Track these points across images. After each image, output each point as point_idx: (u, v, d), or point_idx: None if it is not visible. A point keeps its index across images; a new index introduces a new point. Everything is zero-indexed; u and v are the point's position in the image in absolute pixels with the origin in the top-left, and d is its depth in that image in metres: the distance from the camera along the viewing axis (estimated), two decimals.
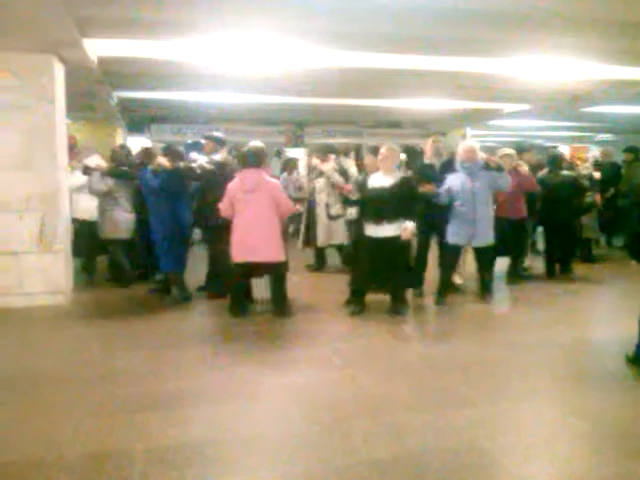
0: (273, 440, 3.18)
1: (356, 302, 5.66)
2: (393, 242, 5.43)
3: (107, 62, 6.51)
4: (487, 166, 6.15)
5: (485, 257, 6.26)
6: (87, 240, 7.04)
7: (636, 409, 3.56)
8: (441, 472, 2.82)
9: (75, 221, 7.09)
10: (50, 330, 5.18)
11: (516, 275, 7.16)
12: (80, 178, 6.93)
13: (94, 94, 8.36)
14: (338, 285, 6.30)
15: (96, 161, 7.12)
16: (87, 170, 6.91)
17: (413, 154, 7.15)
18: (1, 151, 5.67)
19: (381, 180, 5.53)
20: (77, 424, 3.29)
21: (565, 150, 7.93)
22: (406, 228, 5.41)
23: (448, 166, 6.29)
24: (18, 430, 3.23)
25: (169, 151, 6.13)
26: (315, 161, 7.87)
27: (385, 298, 5.74)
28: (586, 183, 7.87)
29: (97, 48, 5.98)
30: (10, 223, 5.74)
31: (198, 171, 5.95)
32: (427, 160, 6.43)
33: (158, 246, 5.95)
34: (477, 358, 4.47)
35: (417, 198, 5.64)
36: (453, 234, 6.06)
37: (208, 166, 6.00)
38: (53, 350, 4.63)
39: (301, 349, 4.71)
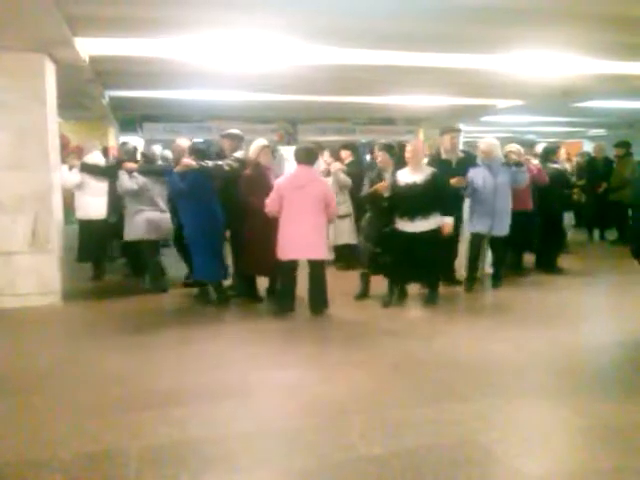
0: (270, 437, 3.18)
1: (391, 292, 5.81)
2: (428, 236, 5.55)
3: (98, 61, 6.48)
4: (506, 162, 6.49)
5: (500, 248, 6.59)
6: (92, 241, 6.95)
7: (632, 404, 3.57)
8: (438, 467, 2.82)
9: (79, 222, 7.05)
10: (43, 331, 5.17)
11: (520, 268, 7.28)
12: (78, 176, 6.87)
13: (86, 93, 8.32)
14: (347, 283, 6.32)
15: (97, 157, 7.07)
16: (85, 167, 6.86)
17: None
18: None
19: (411, 176, 5.60)
20: (71, 424, 3.28)
21: (554, 144, 7.88)
22: (447, 224, 5.62)
23: (464, 162, 6.35)
24: (12, 430, 3.22)
25: (194, 150, 5.92)
26: (327, 159, 7.79)
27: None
28: (572, 179, 7.91)
29: (88, 47, 5.95)
30: (2, 223, 5.71)
31: (226, 168, 5.76)
32: (444, 156, 6.48)
33: (192, 249, 5.82)
34: (472, 353, 4.49)
35: (448, 192, 5.74)
36: (474, 224, 6.35)
37: (235, 164, 5.85)
38: (46, 350, 4.61)
39: (299, 347, 4.71)
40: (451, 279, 6.58)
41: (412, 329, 5.25)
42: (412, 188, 5.54)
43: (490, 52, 6.36)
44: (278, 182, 5.43)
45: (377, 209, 5.84)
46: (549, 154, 7.63)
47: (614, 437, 3.13)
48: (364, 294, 6.04)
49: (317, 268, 5.50)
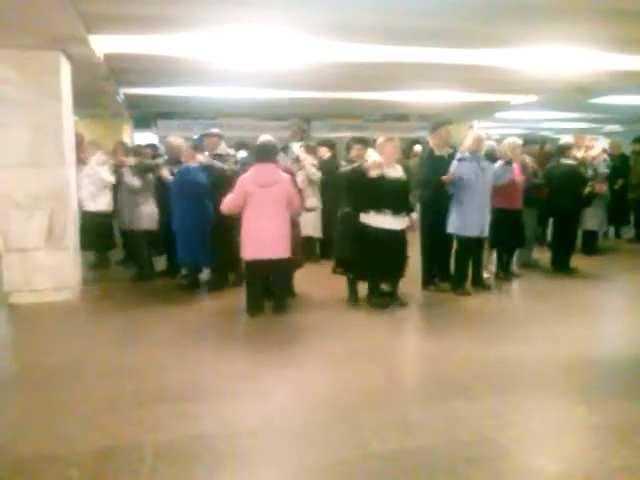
0: (282, 434, 3.19)
1: (376, 294, 5.66)
2: (402, 233, 5.55)
3: (113, 58, 6.52)
4: (488, 157, 6.25)
5: (481, 249, 6.35)
6: (96, 232, 7.23)
7: None
8: (450, 464, 2.82)
9: (84, 214, 7.24)
10: (59, 326, 5.22)
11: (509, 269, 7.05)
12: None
13: (101, 91, 8.37)
14: (333, 279, 6.23)
15: (100, 158, 7.28)
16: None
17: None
18: (10, 148, 5.69)
19: (392, 171, 5.50)
20: (87, 419, 3.32)
21: (570, 140, 7.74)
22: (415, 220, 5.64)
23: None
24: (29, 425, 3.26)
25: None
26: (301, 154, 7.92)
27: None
28: (588, 173, 7.76)
29: (103, 44, 5.98)
30: (19, 220, 5.77)
31: (228, 173, 6.11)
32: (437, 152, 6.24)
33: (190, 239, 6.04)
34: (483, 351, 4.47)
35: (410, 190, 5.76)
36: (467, 226, 5.99)
37: (235, 167, 6.24)
38: (61, 346, 4.66)
39: (307, 344, 4.73)
40: (448, 277, 6.36)
41: (418, 327, 5.24)
42: (395, 183, 5.47)
43: (505, 48, 6.30)
44: (242, 179, 5.35)
45: (356, 204, 5.61)
46: (563, 150, 7.49)
47: (629, 435, 3.11)
48: (356, 298, 5.85)
49: (281, 267, 5.44)
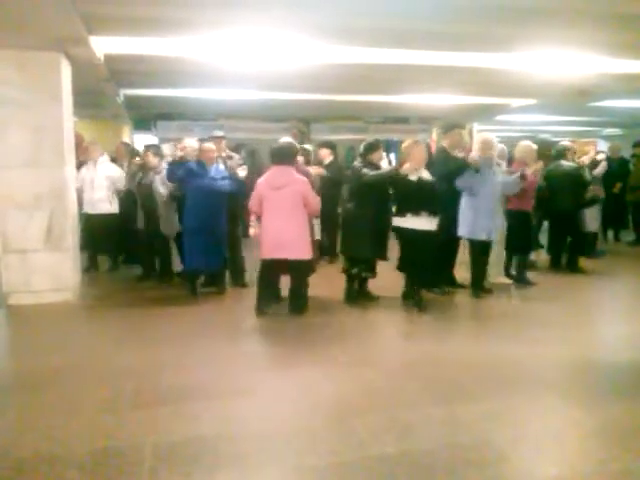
0: (282, 435, 3.18)
1: (418, 295, 5.69)
2: (435, 234, 5.58)
3: (114, 60, 6.52)
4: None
5: (487, 252, 6.30)
6: (107, 235, 7.25)
7: None
8: (450, 466, 2.82)
9: (97, 216, 7.24)
10: (58, 327, 5.20)
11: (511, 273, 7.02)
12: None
13: (101, 92, 8.37)
14: (334, 280, 6.23)
15: (106, 162, 7.26)
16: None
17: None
18: (9, 149, 5.69)
19: (421, 173, 5.54)
20: (86, 420, 3.31)
21: (567, 143, 7.79)
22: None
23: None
24: (28, 426, 3.25)
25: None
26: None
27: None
28: (587, 176, 7.82)
29: (104, 46, 5.98)
30: (18, 221, 5.77)
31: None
32: (453, 153, 6.18)
33: (206, 241, 5.93)
34: (484, 354, 4.47)
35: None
36: (482, 229, 5.98)
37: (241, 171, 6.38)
38: (61, 347, 4.65)
39: (310, 346, 4.71)
40: (452, 282, 6.37)
41: (420, 330, 5.23)
42: (427, 184, 5.50)
43: (504, 51, 6.31)
44: (258, 183, 5.45)
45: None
46: (561, 153, 7.55)
47: (629, 439, 3.10)
48: (355, 296, 5.88)
49: (296, 268, 5.42)
